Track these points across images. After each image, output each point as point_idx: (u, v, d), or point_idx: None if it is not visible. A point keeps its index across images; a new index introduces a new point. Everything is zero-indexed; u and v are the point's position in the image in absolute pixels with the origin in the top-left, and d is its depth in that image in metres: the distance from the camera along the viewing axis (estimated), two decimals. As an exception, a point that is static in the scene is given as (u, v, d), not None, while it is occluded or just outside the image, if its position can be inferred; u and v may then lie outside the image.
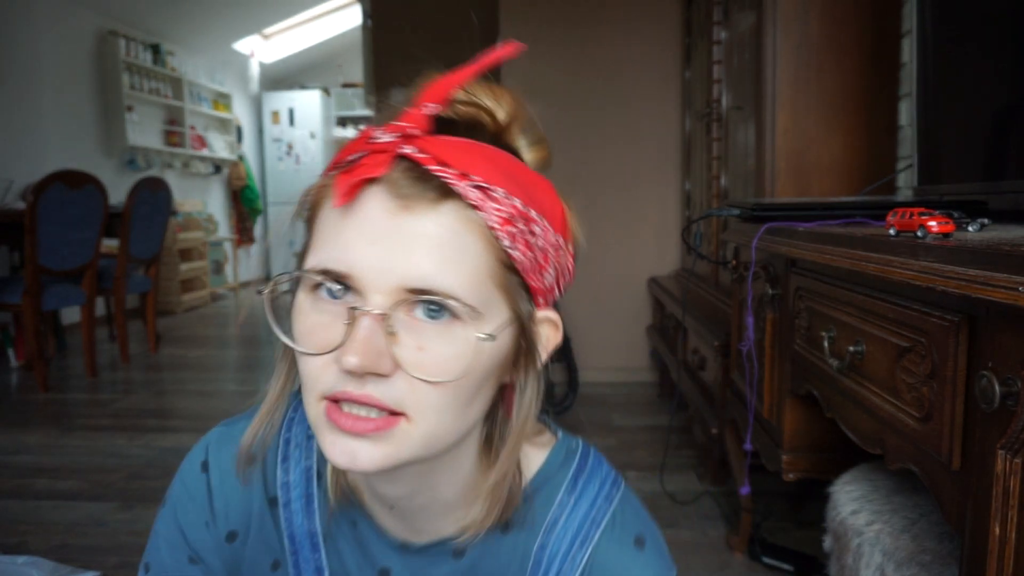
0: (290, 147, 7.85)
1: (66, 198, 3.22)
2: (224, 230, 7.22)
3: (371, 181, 0.41)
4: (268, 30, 7.33)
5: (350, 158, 0.42)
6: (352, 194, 0.40)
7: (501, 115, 0.46)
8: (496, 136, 0.47)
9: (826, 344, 1.04)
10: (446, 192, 0.41)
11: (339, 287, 0.41)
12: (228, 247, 7.00)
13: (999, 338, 0.64)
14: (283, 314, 0.44)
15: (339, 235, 0.41)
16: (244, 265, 7.57)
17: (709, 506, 1.94)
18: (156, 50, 5.80)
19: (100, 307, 4.63)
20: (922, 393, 0.78)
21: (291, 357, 0.47)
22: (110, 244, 3.77)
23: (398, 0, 4.31)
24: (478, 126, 0.46)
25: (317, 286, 0.42)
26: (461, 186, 0.40)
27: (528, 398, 0.47)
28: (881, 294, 0.89)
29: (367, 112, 7.54)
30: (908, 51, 1.60)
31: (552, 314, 0.47)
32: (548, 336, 0.48)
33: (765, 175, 1.72)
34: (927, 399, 0.77)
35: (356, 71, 7.48)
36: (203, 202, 6.74)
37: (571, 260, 0.49)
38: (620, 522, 0.52)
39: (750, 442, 1.48)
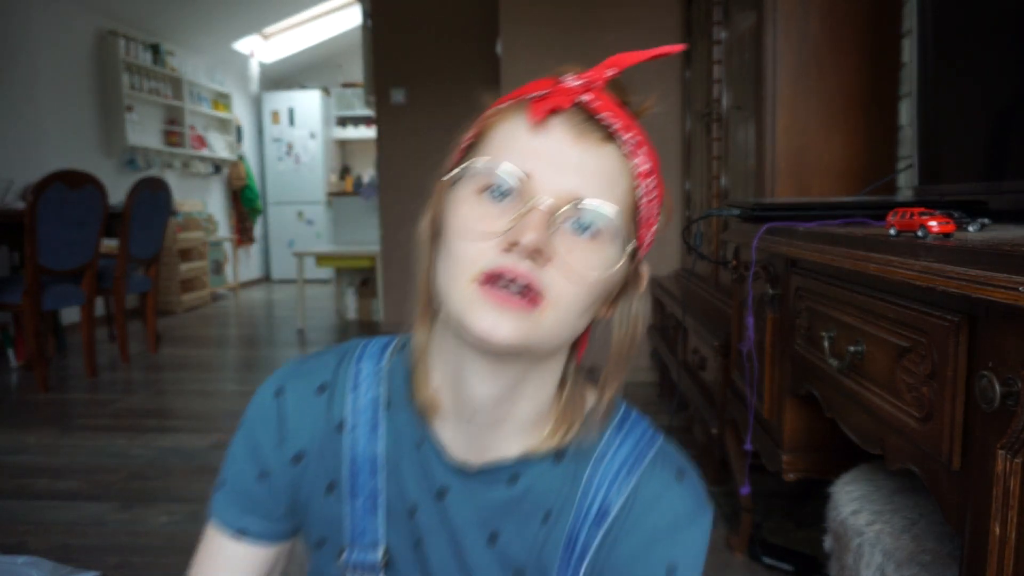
0: (290, 147, 7.85)
1: (66, 198, 3.22)
2: (224, 230, 7.22)
3: (555, 112, 0.49)
4: (268, 30, 7.33)
5: (536, 94, 0.50)
6: (544, 115, 0.48)
7: (647, 102, 0.54)
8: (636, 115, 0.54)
9: (826, 344, 1.04)
10: (609, 137, 0.49)
11: (509, 187, 0.48)
12: (228, 247, 7.00)
13: (999, 338, 0.64)
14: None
15: (525, 146, 0.48)
16: (244, 265, 7.57)
17: (709, 506, 1.93)
18: (156, 50, 5.80)
19: (100, 307, 4.63)
20: (922, 393, 0.78)
21: (425, 290, 0.53)
22: (110, 244, 3.77)
23: (398, 0, 4.31)
24: (628, 101, 0.54)
25: (485, 188, 0.49)
26: (623, 137, 0.50)
27: (625, 331, 0.54)
28: (881, 294, 0.89)
29: (367, 112, 7.54)
30: (908, 51, 1.60)
31: (645, 265, 0.55)
32: (643, 282, 0.55)
33: (765, 175, 1.72)
34: (927, 399, 0.77)
35: (356, 71, 7.48)
36: (203, 202, 6.74)
37: (653, 233, 0.55)
38: (662, 457, 0.58)
39: (750, 442, 1.48)
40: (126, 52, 5.34)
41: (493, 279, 0.46)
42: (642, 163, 0.51)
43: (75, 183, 3.26)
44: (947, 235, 0.75)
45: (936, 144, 1.22)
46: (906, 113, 1.64)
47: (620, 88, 0.52)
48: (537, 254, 0.45)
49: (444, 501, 0.56)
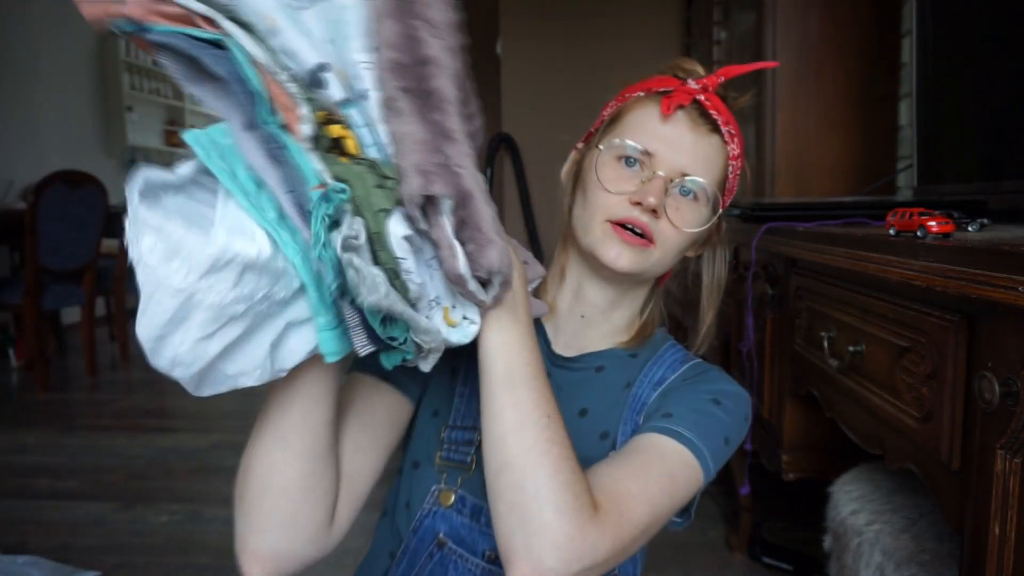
0: (290, 147, 7.85)
1: (66, 198, 3.22)
2: (224, 230, 7.21)
3: (681, 107, 0.67)
4: (268, 30, 7.32)
5: (662, 89, 0.69)
6: (672, 111, 0.66)
7: (742, 99, 0.73)
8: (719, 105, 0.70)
9: (826, 344, 1.04)
10: (716, 129, 0.68)
11: (638, 159, 0.66)
12: (228, 247, 7.00)
13: (999, 338, 0.64)
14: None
15: (655, 130, 0.67)
16: (244, 265, 7.57)
17: (709, 506, 1.94)
18: (156, 50, 5.80)
19: (100, 307, 4.63)
20: (922, 393, 0.78)
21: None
22: (110, 244, 3.77)
23: (398, 0, 4.31)
24: (726, 99, 0.71)
25: (621, 157, 0.67)
26: (724, 130, 0.69)
27: (715, 269, 0.75)
28: (881, 294, 0.89)
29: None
30: (908, 51, 1.60)
31: (724, 220, 0.72)
32: (717, 232, 0.73)
33: (765, 175, 1.72)
34: (927, 399, 0.77)
35: (356, 71, 7.47)
36: (203, 202, 6.74)
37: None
38: (705, 363, 0.74)
39: (750, 442, 1.49)
40: (126, 52, 5.34)
41: (622, 223, 0.65)
42: (735, 149, 0.69)
43: (76, 183, 3.26)
44: (946, 235, 0.75)
45: (935, 144, 1.22)
46: (906, 113, 1.64)
47: (723, 88, 0.70)
48: (654, 211, 0.64)
49: None
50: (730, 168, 0.70)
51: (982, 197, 1.10)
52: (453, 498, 0.68)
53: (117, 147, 5.35)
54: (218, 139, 0.45)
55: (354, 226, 0.44)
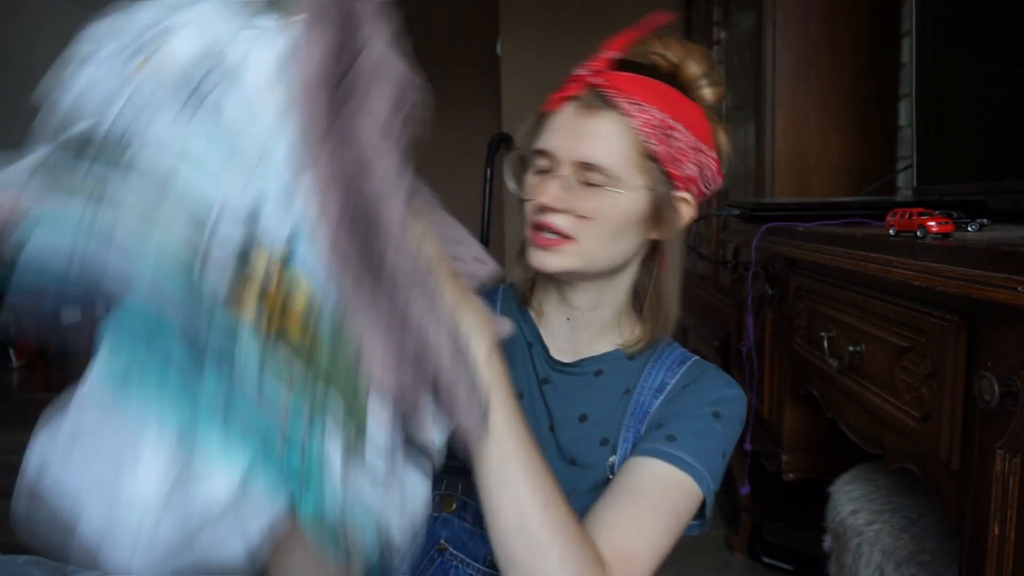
0: (290, 147, 7.85)
1: (66, 198, 3.22)
2: (224, 230, 7.22)
3: (570, 98, 0.65)
4: (268, 30, 7.33)
5: (564, 85, 0.66)
6: (554, 106, 0.66)
7: (670, 59, 0.67)
8: (671, 75, 0.67)
9: (826, 344, 1.04)
10: (609, 103, 0.63)
11: (539, 160, 0.66)
12: (228, 247, 7.00)
13: (999, 338, 0.64)
14: None
15: (546, 129, 0.66)
16: (244, 265, 7.57)
17: (709, 506, 1.94)
18: (156, 50, 5.80)
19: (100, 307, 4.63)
20: (922, 393, 0.78)
21: None
22: (110, 244, 3.76)
23: (398, 0, 4.31)
24: (654, 67, 0.67)
25: (531, 165, 0.67)
26: (618, 101, 0.63)
27: (671, 256, 0.70)
28: (881, 294, 0.89)
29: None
30: (908, 51, 1.60)
31: (689, 196, 0.67)
32: (684, 211, 0.68)
33: (765, 175, 1.72)
34: (927, 399, 0.77)
35: (356, 71, 7.47)
36: (203, 202, 6.74)
37: (714, 163, 0.67)
38: (704, 362, 0.74)
39: (750, 442, 1.49)
40: (126, 52, 5.35)
41: (537, 229, 0.65)
42: (645, 117, 0.63)
43: (75, 183, 3.26)
44: (946, 235, 0.75)
45: (935, 144, 1.22)
46: (905, 113, 1.64)
47: (640, 61, 0.66)
48: (552, 209, 0.63)
49: (546, 387, 0.72)
50: (648, 138, 0.64)
51: (982, 197, 1.10)
52: (455, 504, 0.68)
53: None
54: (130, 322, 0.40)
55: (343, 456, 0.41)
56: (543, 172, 0.66)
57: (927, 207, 0.82)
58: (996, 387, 0.62)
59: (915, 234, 0.77)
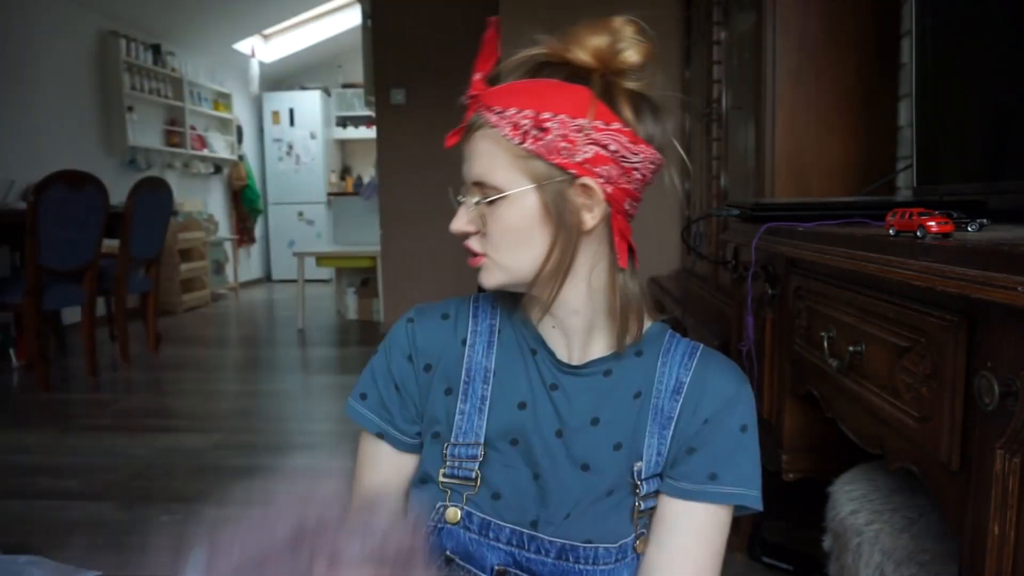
0: (290, 147, 7.85)
1: (67, 198, 3.22)
2: (224, 230, 7.22)
3: (467, 132, 0.67)
4: (268, 30, 7.33)
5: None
6: (451, 143, 0.69)
7: (557, 50, 0.67)
8: (561, 65, 0.66)
9: (826, 344, 1.04)
10: (481, 120, 0.65)
11: (454, 196, 0.70)
12: (228, 247, 7.00)
13: (999, 338, 0.64)
14: None
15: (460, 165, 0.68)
16: (244, 265, 7.57)
17: (709, 506, 1.93)
18: (156, 50, 5.80)
19: (100, 307, 4.63)
20: (921, 393, 0.78)
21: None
22: (111, 244, 3.77)
23: (398, 0, 4.31)
24: (538, 65, 0.67)
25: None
26: (485, 116, 0.65)
27: (591, 242, 0.68)
28: (881, 294, 0.89)
29: (367, 112, 7.54)
30: (908, 51, 1.59)
31: (594, 180, 0.64)
32: (592, 194, 0.65)
33: (765, 175, 1.72)
34: (926, 399, 0.77)
35: (356, 71, 7.47)
36: (203, 202, 6.74)
37: (625, 135, 0.64)
38: (707, 350, 0.74)
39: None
40: (127, 52, 5.35)
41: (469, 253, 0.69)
42: (506, 122, 0.63)
43: (76, 183, 3.26)
44: (946, 235, 0.75)
45: (935, 144, 1.22)
46: (905, 113, 1.64)
47: (523, 67, 0.67)
48: (462, 234, 0.69)
49: (556, 392, 0.72)
50: (518, 139, 0.63)
51: (981, 197, 1.10)
52: (460, 515, 0.69)
53: (117, 147, 5.35)
54: None
55: None
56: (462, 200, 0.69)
57: (927, 207, 0.81)
58: (996, 387, 0.62)
59: (915, 234, 0.77)
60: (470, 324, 0.76)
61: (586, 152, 0.63)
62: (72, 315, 4.47)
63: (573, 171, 0.64)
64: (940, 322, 0.74)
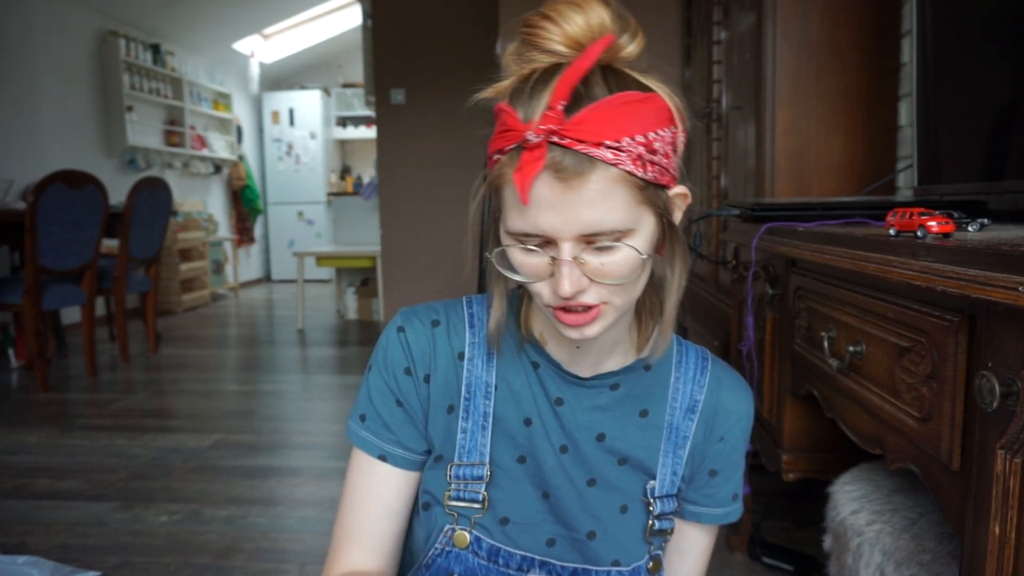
0: (290, 147, 7.85)
1: (66, 198, 3.22)
2: (224, 230, 7.22)
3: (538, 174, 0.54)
4: (268, 30, 7.33)
5: (510, 147, 0.55)
6: (528, 189, 0.53)
7: (573, 58, 0.56)
8: (609, 66, 0.58)
9: (826, 344, 1.04)
10: (591, 161, 0.53)
11: (532, 244, 0.57)
12: (228, 247, 7.00)
13: (999, 338, 0.64)
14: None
15: (527, 212, 0.55)
16: (244, 265, 7.57)
17: (709, 506, 1.93)
18: (156, 50, 5.80)
19: (100, 307, 4.63)
20: (922, 393, 0.78)
21: (498, 278, 0.65)
22: (110, 244, 3.77)
23: (398, 0, 4.31)
24: (603, 75, 0.57)
25: (519, 241, 0.58)
26: (599, 153, 0.53)
27: (677, 264, 0.63)
28: (881, 294, 0.89)
29: (367, 112, 7.53)
30: (908, 51, 1.59)
31: (681, 188, 0.61)
32: (680, 200, 0.62)
33: (765, 175, 1.72)
34: (927, 399, 0.77)
35: (356, 71, 7.48)
36: (203, 202, 6.74)
37: (681, 121, 0.60)
38: (716, 360, 0.74)
39: (750, 442, 1.48)
40: (126, 52, 5.35)
41: (563, 309, 0.59)
42: (627, 155, 0.54)
43: (76, 183, 3.26)
44: (946, 235, 0.75)
45: (935, 144, 1.22)
46: (905, 113, 1.64)
47: (593, 83, 0.55)
48: (577, 295, 0.57)
49: (561, 407, 0.69)
50: (640, 170, 0.55)
51: (982, 197, 1.10)
52: (468, 539, 0.67)
53: (117, 147, 5.34)
54: None
55: None
56: (534, 250, 0.57)
57: (927, 207, 0.81)
58: (996, 387, 0.62)
59: (915, 234, 0.77)
60: (467, 335, 0.70)
61: (674, 160, 0.59)
62: (72, 315, 4.47)
63: (669, 184, 0.59)
64: (940, 322, 0.74)
